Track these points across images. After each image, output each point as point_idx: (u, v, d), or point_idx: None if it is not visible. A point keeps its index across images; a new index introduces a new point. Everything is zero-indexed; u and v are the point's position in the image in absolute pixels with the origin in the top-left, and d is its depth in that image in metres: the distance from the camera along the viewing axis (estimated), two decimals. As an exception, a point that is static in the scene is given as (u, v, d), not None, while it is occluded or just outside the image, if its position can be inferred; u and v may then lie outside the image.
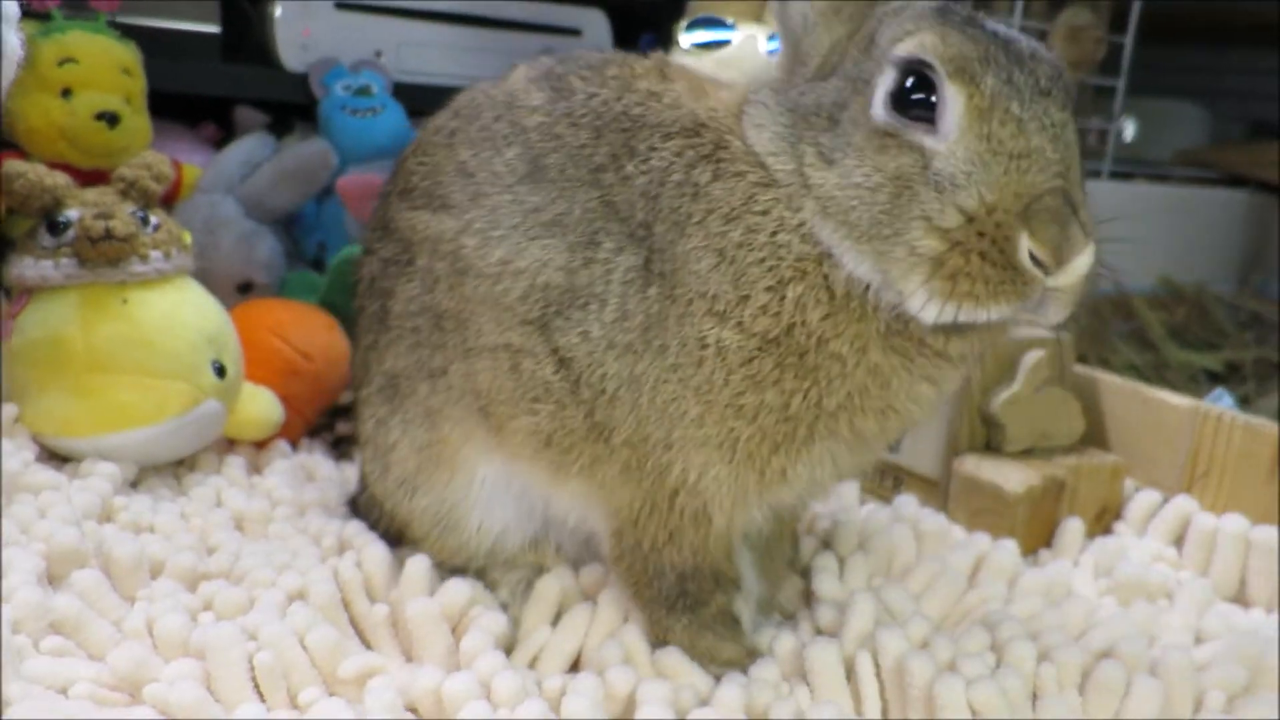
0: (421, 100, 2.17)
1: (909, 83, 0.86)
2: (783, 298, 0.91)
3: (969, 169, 0.83)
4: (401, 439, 1.15)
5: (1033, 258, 0.81)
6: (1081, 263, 0.83)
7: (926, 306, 0.85)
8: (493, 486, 1.14)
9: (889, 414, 0.96)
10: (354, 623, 1.10)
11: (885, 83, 0.87)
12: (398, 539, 1.22)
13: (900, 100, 0.86)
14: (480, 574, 1.19)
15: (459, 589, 1.09)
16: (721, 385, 0.93)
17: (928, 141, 0.85)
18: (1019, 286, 0.82)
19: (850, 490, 1.45)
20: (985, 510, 1.36)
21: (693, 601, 1.06)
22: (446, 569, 1.19)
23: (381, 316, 1.16)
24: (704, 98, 1.02)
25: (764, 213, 0.93)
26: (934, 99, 0.85)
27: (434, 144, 1.15)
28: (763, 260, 0.92)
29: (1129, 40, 2.71)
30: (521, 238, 1.03)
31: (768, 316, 0.92)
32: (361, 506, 1.29)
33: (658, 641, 1.08)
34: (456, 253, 1.07)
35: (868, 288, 0.90)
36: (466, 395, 1.09)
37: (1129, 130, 3.41)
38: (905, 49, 0.86)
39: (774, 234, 0.92)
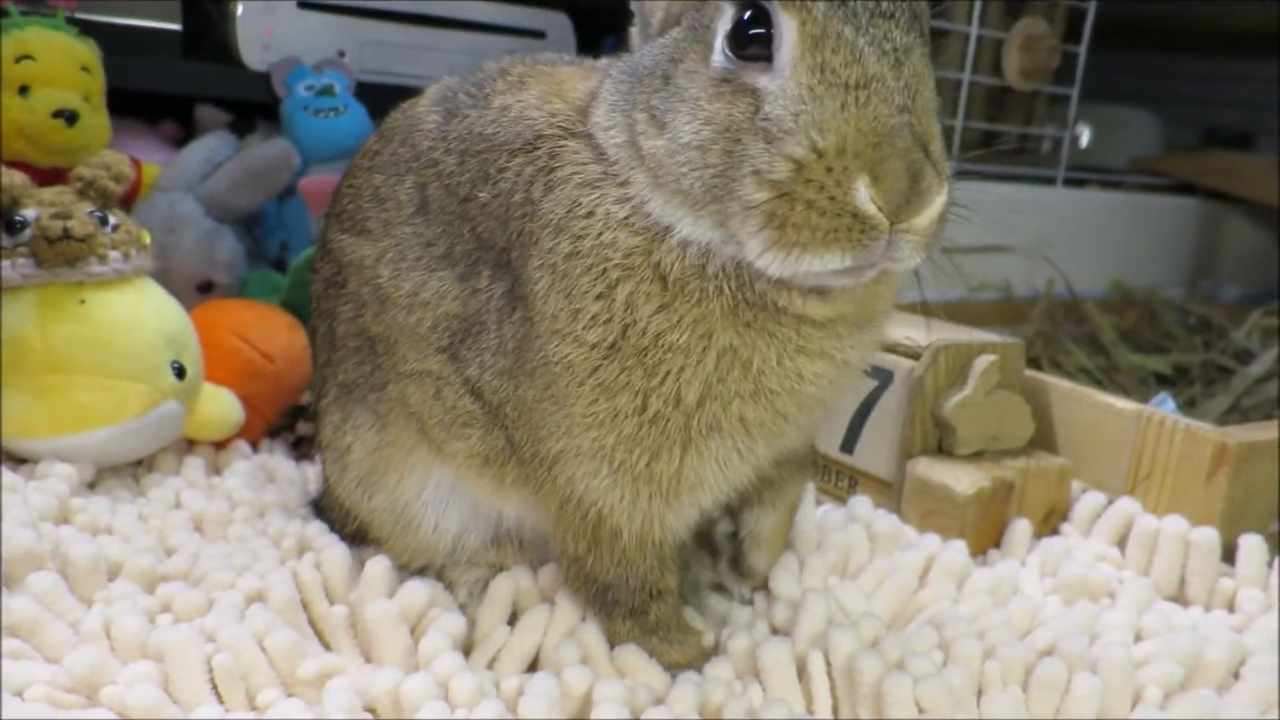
0: (384, 101, 2.17)
1: (745, 17, 0.81)
2: (612, 301, 0.89)
3: (800, 108, 0.77)
4: (355, 442, 1.16)
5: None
6: (933, 208, 0.78)
7: (761, 257, 0.80)
8: (445, 490, 1.15)
9: (768, 396, 0.92)
10: (313, 624, 1.11)
11: (724, 24, 0.82)
12: (361, 539, 1.23)
13: (739, 39, 0.81)
14: (440, 574, 1.20)
15: (418, 590, 1.10)
16: (576, 398, 0.93)
17: (762, 81, 0.80)
18: (854, 235, 0.77)
19: (807, 490, 1.47)
20: (936, 511, 1.39)
21: (629, 609, 1.07)
22: (410, 570, 1.21)
23: (329, 336, 1.18)
24: (552, 101, 0.99)
25: (589, 214, 0.90)
26: (771, 33, 0.80)
27: (359, 167, 1.15)
28: (590, 268, 0.90)
29: (1083, 49, 2.76)
30: (424, 271, 1.04)
31: (600, 325, 0.90)
32: (324, 508, 1.30)
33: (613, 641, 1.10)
34: (375, 281, 1.09)
35: (706, 264, 0.87)
36: (406, 411, 1.11)
37: (1084, 137, 3.47)
38: None
39: (599, 235, 0.89)
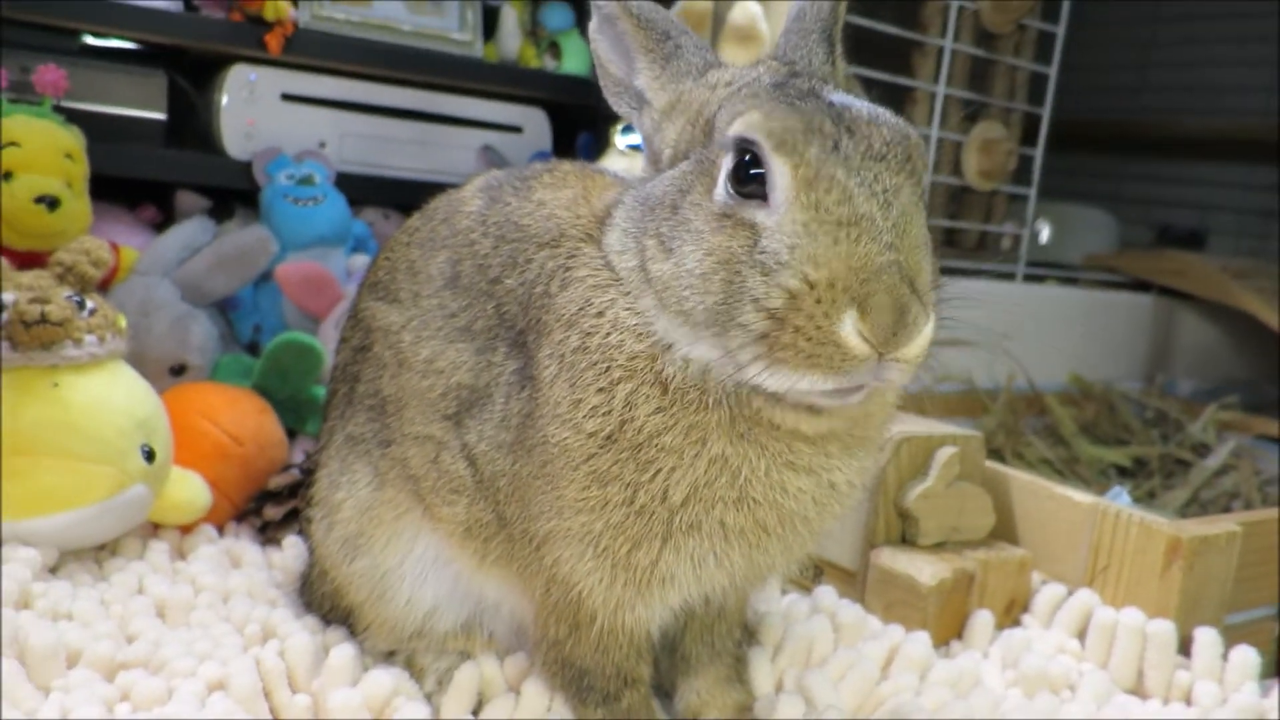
0: (363, 191, 2.23)
1: (745, 160, 0.87)
2: (612, 396, 0.93)
3: (795, 242, 0.83)
4: (348, 498, 1.18)
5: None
6: (919, 339, 0.83)
7: (751, 371, 0.85)
8: (428, 561, 1.17)
9: (751, 505, 0.95)
10: (274, 713, 1.10)
11: (726, 164, 0.88)
12: (342, 616, 1.25)
13: (739, 178, 0.87)
14: (408, 662, 1.20)
15: (382, 679, 1.10)
16: (569, 482, 0.96)
17: (759, 217, 0.86)
18: (836, 361, 0.82)
19: (772, 581, 1.49)
20: (900, 601, 1.41)
21: (602, 696, 1.08)
22: (375, 651, 1.21)
23: (349, 396, 1.22)
24: (580, 205, 1.06)
25: (599, 314, 0.96)
26: (766, 174, 0.86)
27: (398, 241, 1.23)
28: (595, 363, 0.94)
29: (1039, 151, 2.88)
30: (443, 340, 1.10)
31: (599, 416, 0.94)
32: (311, 582, 1.31)
33: None
34: (398, 345, 1.14)
35: (706, 378, 0.91)
36: (406, 473, 1.14)
37: (1043, 234, 3.59)
38: (735, 129, 0.87)
39: (607, 335, 0.95)
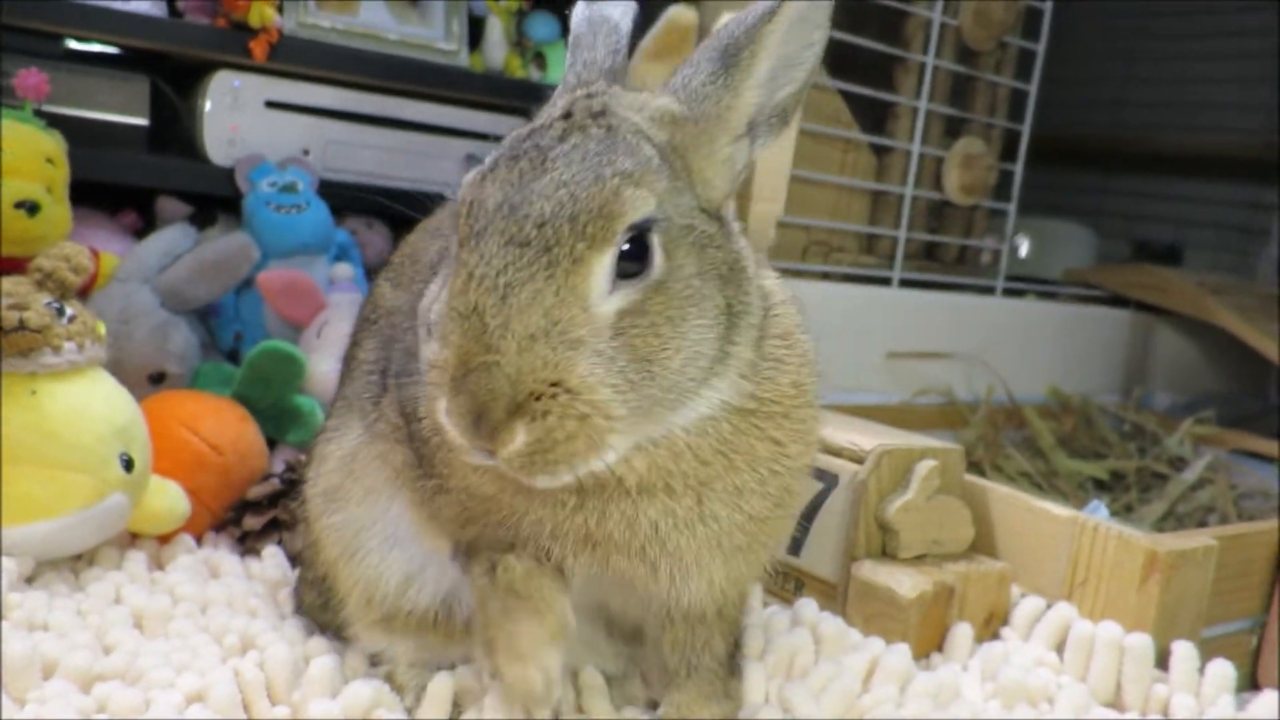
0: (347, 199, 2.23)
1: None
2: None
3: (438, 316, 0.87)
4: (335, 450, 1.20)
5: None
6: (508, 446, 0.82)
7: None
8: (402, 527, 1.15)
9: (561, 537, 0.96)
10: (253, 726, 1.09)
11: None
12: (323, 598, 1.25)
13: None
14: (389, 677, 1.19)
15: (361, 691, 1.09)
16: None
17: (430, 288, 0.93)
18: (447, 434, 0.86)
19: (755, 593, 1.49)
20: (880, 614, 1.41)
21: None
22: (360, 643, 1.21)
23: (352, 363, 1.27)
24: None
25: None
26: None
27: (420, 227, 1.28)
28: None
29: (1019, 167, 2.91)
30: None
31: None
32: (301, 570, 1.33)
33: None
34: (394, 324, 1.17)
35: None
36: (391, 426, 1.14)
37: (1022, 249, 3.62)
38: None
39: None
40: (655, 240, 0.86)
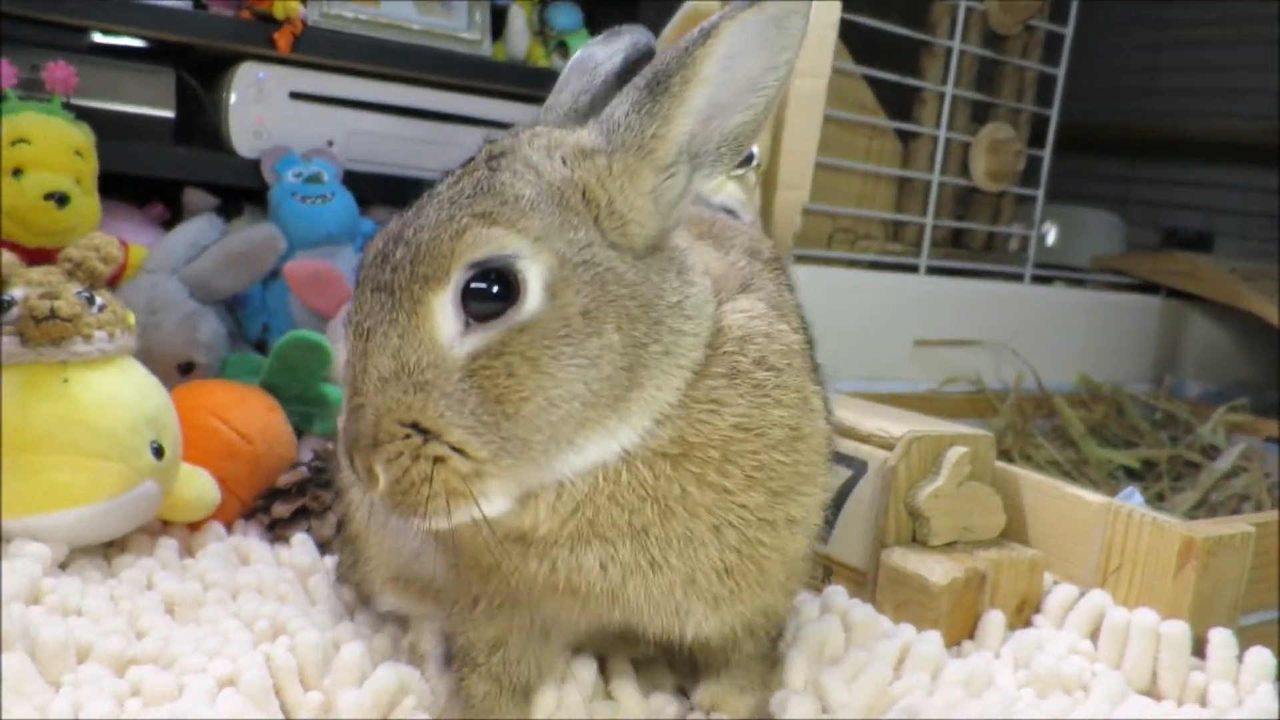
0: (371, 189, 2.23)
1: None
2: None
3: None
4: None
5: None
6: (378, 483, 0.84)
7: None
8: None
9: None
10: (285, 710, 1.10)
11: None
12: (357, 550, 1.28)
13: None
14: (412, 648, 1.20)
15: (388, 678, 1.10)
16: None
17: None
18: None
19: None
20: (910, 601, 1.40)
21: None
22: (381, 584, 1.24)
23: None
24: None
25: None
26: None
27: None
28: None
29: (1047, 153, 2.87)
30: None
31: None
32: (341, 522, 1.37)
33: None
34: None
35: None
36: None
37: (1051, 235, 3.58)
38: None
39: None
40: (530, 279, 0.83)
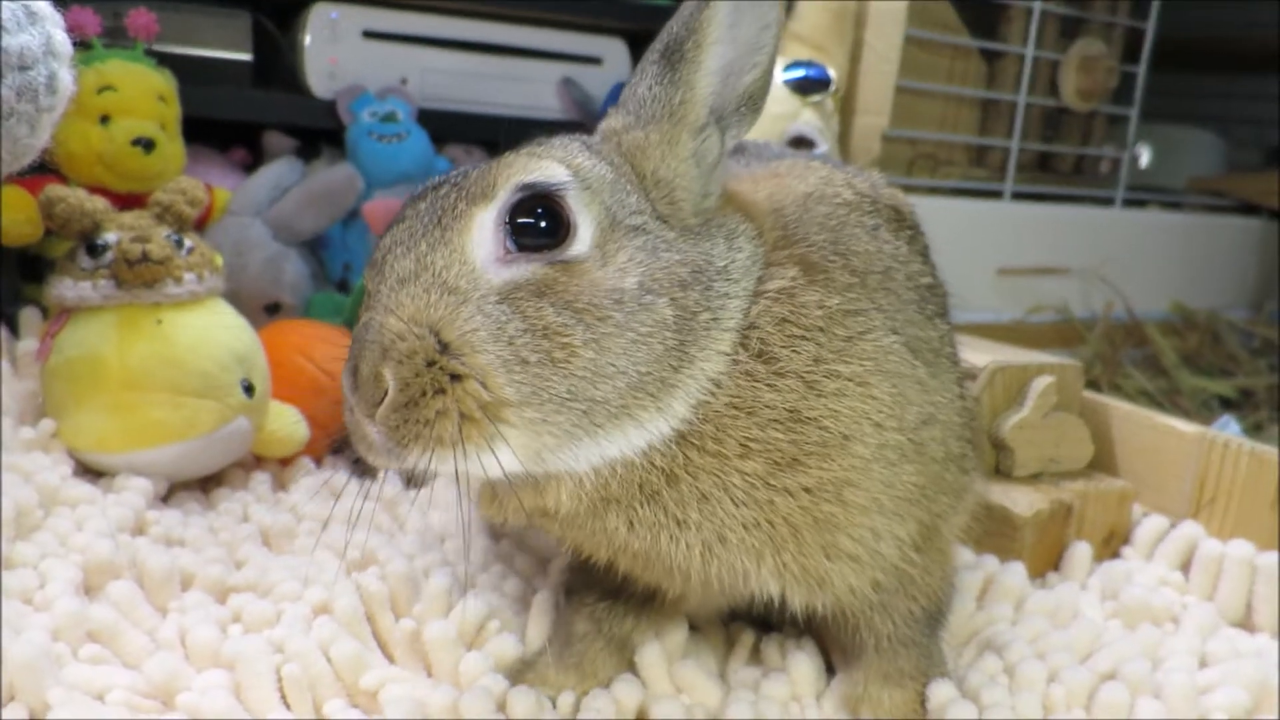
0: (445, 127, 2.23)
1: None
2: None
3: None
4: None
5: None
6: (377, 408, 0.75)
7: None
8: None
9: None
10: (377, 636, 1.14)
11: None
12: None
13: None
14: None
15: (474, 609, 1.13)
16: None
17: None
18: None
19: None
20: (994, 533, 1.38)
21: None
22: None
23: None
24: None
25: None
26: None
27: None
28: None
29: (1142, 69, 2.74)
30: None
31: None
32: None
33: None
34: None
35: None
36: None
37: (1144, 157, 3.43)
38: None
39: None
40: (579, 220, 0.81)
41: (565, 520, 0.88)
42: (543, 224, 0.80)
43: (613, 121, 0.91)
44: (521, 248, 0.80)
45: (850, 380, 0.88)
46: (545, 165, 0.82)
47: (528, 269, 0.79)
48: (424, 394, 0.74)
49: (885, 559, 0.94)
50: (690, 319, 0.83)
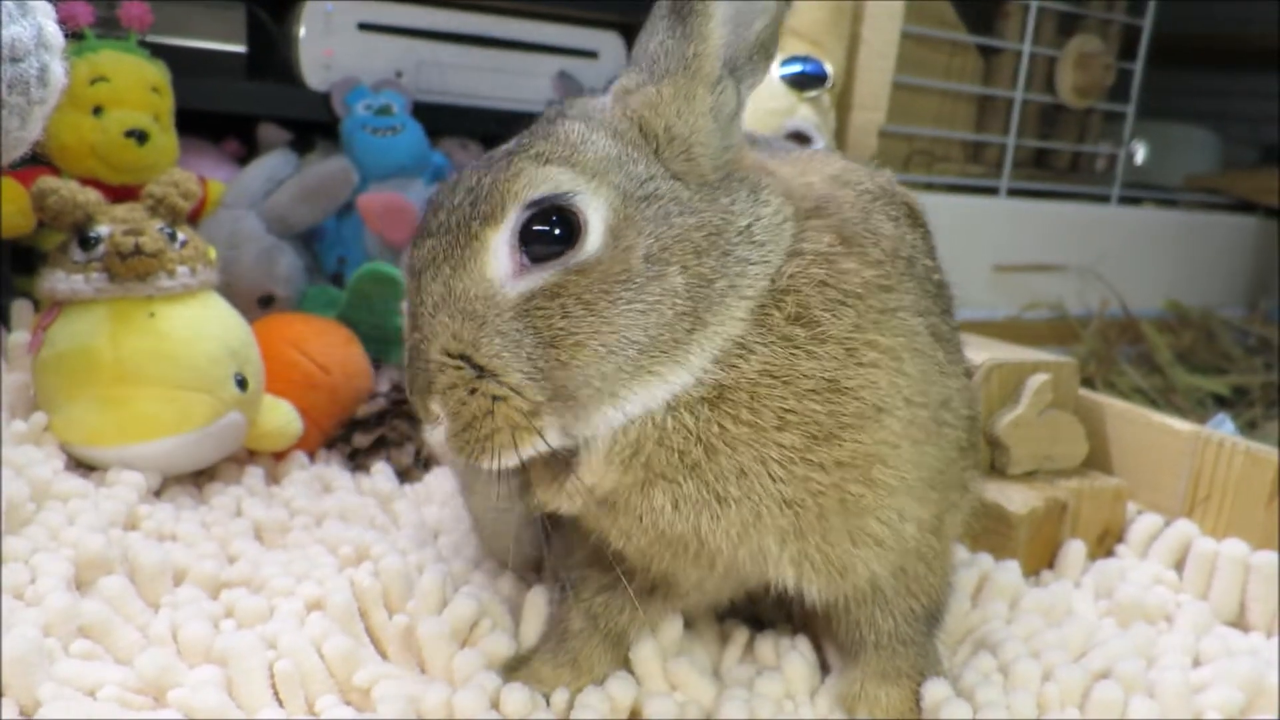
0: (440, 120, 2.22)
1: None
2: None
3: None
4: None
5: None
6: (429, 413, 0.85)
7: None
8: None
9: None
10: (370, 632, 1.13)
11: None
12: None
13: None
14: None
15: (467, 606, 1.12)
16: None
17: None
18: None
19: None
20: (989, 531, 1.38)
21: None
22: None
23: None
24: None
25: None
26: None
27: None
28: None
29: (1138, 66, 2.74)
30: None
31: None
32: None
33: None
34: None
35: None
36: None
37: (1140, 154, 3.43)
38: None
39: None
40: (592, 218, 0.83)
41: (614, 503, 0.90)
42: (556, 230, 0.83)
43: (625, 80, 0.91)
44: (536, 257, 0.83)
45: (886, 353, 0.88)
46: (551, 173, 0.84)
47: (541, 278, 0.83)
48: (474, 418, 0.83)
49: (907, 542, 0.95)
50: (705, 286, 0.84)
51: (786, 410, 0.86)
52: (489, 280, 0.84)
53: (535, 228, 0.83)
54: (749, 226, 0.87)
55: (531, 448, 0.85)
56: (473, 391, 0.83)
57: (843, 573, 0.94)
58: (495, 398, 0.82)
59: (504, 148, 0.91)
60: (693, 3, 0.86)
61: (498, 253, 0.83)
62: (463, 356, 0.83)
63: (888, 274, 0.91)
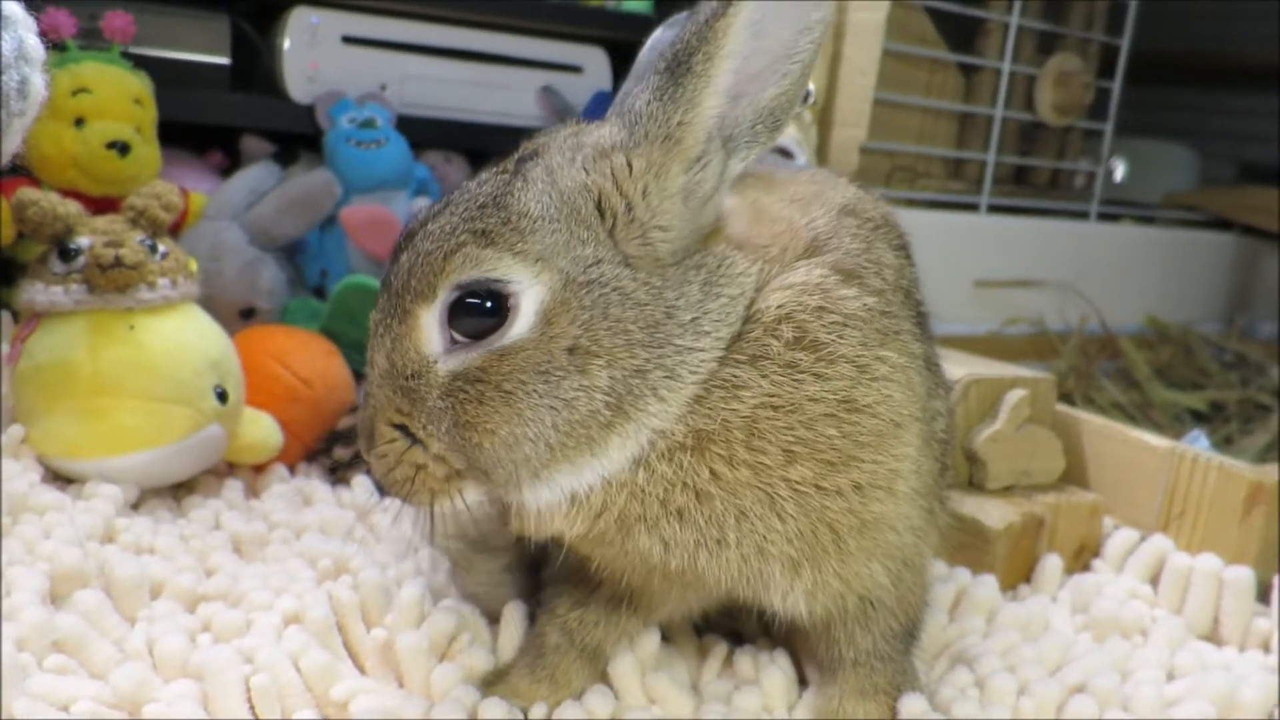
0: (424, 133, 2.23)
1: None
2: None
3: None
4: None
5: None
6: (376, 467, 0.90)
7: None
8: None
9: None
10: (348, 646, 1.13)
11: None
12: None
13: None
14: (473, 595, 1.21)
15: (446, 620, 1.12)
16: None
17: None
18: None
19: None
20: (966, 545, 1.39)
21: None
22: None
23: None
24: None
25: None
26: None
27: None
28: None
29: (1117, 84, 2.77)
30: None
31: None
32: None
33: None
34: None
35: None
36: None
37: (1119, 171, 3.47)
38: None
39: None
40: (523, 303, 0.81)
41: (592, 539, 0.90)
42: (487, 304, 0.82)
43: (604, 137, 0.85)
44: (466, 332, 0.83)
45: (897, 368, 0.88)
46: (488, 257, 0.81)
47: (466, 358, 0.83)
48: (396, 482, 0.88)
49: (907, 549, 0.96)
50: (636, 377, 0.82)
51: (795, 441, 0.83)
52: (422, 356, 0.85)
53: (467, 301, 0.82)
54: (694, 320, 0.83)
55: (451, 504, 0.89)
56: (399, 461, 0.87)
57: (849, 586, 0.94)
58: (418, 466, 0.87)
59: (472, 188, 0.87)
60: (693, 62, 0.78)
61: (429, 329, 0.85)
62: (401, 427, 0.87)
63: (889, 301, 0.90)
